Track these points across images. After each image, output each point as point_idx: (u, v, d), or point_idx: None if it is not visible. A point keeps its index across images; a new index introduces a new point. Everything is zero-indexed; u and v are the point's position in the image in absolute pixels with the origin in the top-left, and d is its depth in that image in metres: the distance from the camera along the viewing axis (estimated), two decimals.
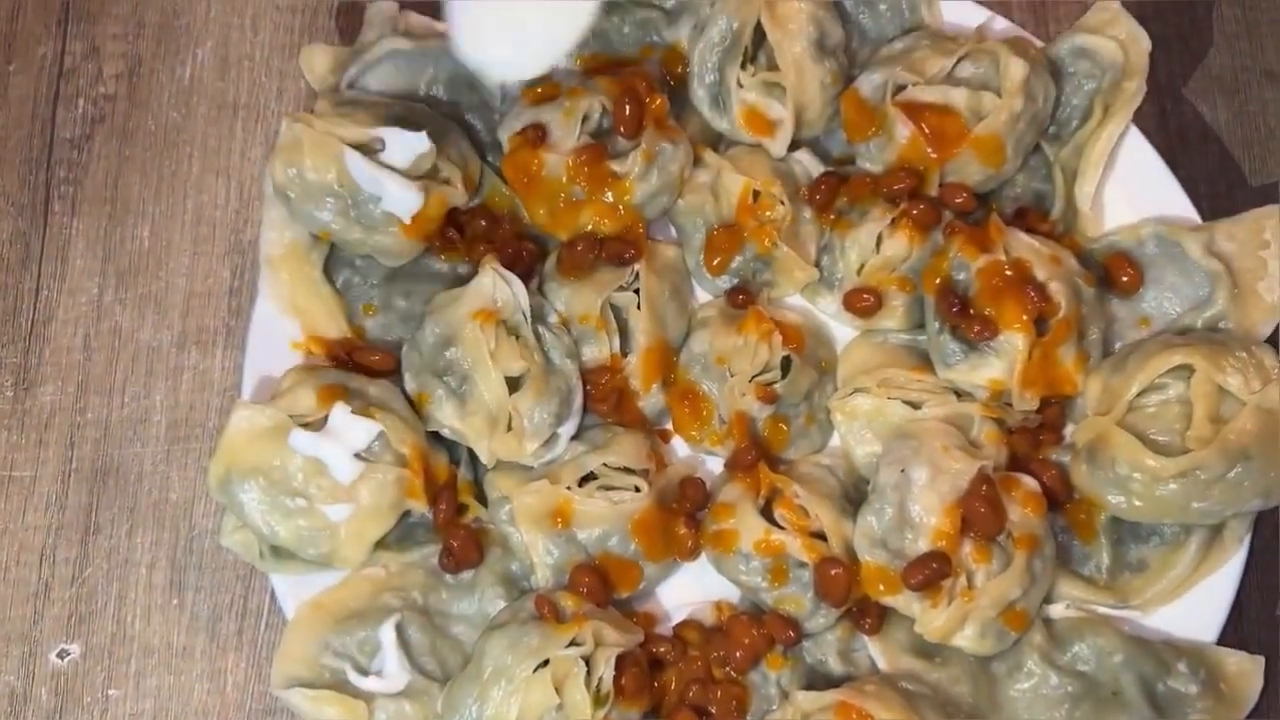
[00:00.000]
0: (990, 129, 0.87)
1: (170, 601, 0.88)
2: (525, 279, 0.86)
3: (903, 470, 0.82)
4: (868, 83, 0.90)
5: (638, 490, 0.84)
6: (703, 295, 0.92)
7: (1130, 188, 0.91)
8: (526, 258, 0.89)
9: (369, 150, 0.85)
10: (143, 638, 0.88)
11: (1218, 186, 0.96)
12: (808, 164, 0.92)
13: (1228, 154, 0.97)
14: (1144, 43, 0.91)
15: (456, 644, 0.83)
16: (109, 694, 0.87)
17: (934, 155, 0.88)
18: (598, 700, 0.77)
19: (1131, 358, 0.85)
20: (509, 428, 0.84)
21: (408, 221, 0.85)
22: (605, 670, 0.77)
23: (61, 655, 0.88)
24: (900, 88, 0.89)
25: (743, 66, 0.89)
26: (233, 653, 0.87)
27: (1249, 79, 0.98)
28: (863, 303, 0.89)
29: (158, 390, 0.92)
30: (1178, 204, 0.90)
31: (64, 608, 0.88)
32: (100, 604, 0.88)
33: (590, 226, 0.88)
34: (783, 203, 0.89)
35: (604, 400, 0.87)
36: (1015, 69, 0.87)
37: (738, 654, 0.82)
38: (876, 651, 0.83)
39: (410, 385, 0.86)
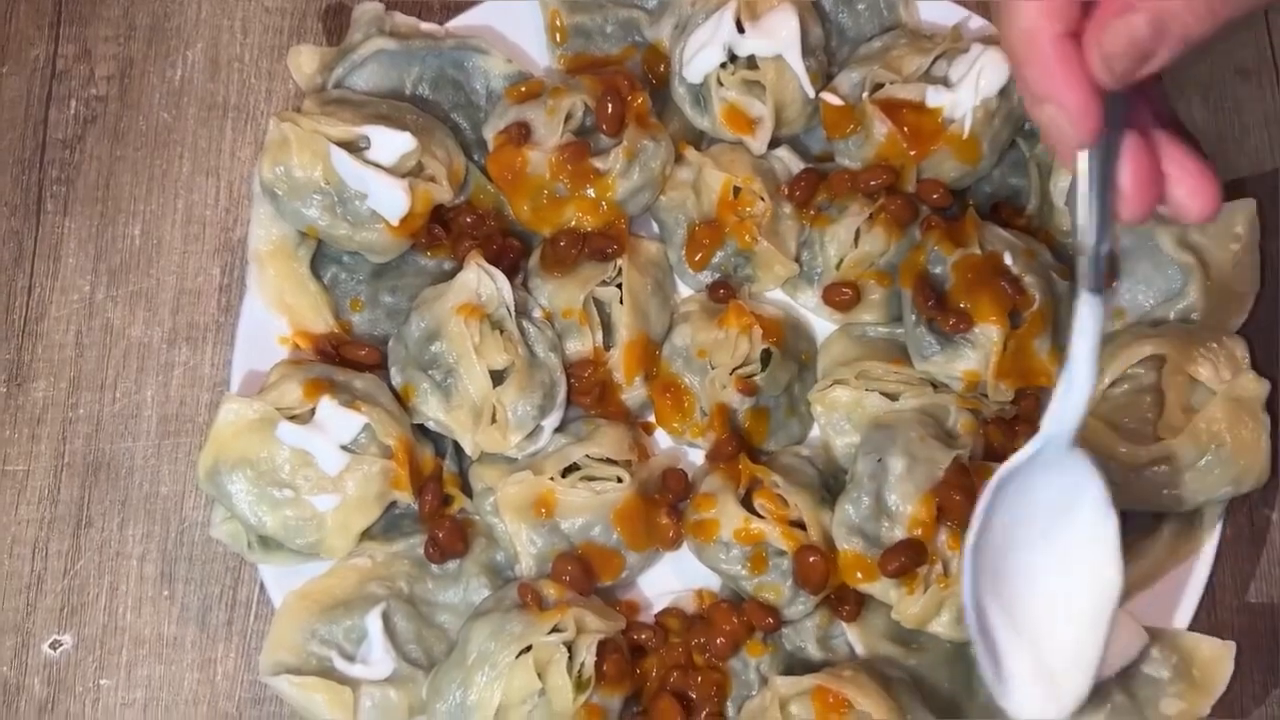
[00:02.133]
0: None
1: (161, 593, 0.90)
2: (510, 274, 0.88)
3: (879, 460, 0.83)
4: (846, 81, 0.92)
5: (620, 481, 0.85)
6: (684, 290, 0.93)
7: None
8: (511, 253, 0.90)
9: (355, 148, 0.87)
10: (134, 628, 0.89)
11: None
12: (788, 161, 0.93)
13: (1202, 150, 0.98)
14: None
15: (441, 632, 0.85)
16: (100, 683, 0.88)
17: (911, 152, 0.89)
18: (579, 685, 0.78)
19: (1104, 349, 0.86)
20: (493, 420, 0.85)
21: (395, 224, 0.87)
22: (587, 656, 0.79)
23: (54, 646, 0.89)
24: (878, 85, 0.91)
25: (723, 65, 0.91)
26: (222, 643, 0.88)
27: (1223, 77, 1.00)
28: (841, 297, 0.90)
29: (149, 386, 0.94)
30: None
31: (56, 599, 0.90)
32: (92, 595, 0.90)
33: (573, 222, 0.90)
34: (763, 199, 0.90)
35: (587, 393, 0.88)
36: None
37: (718, 641, 0.83)
38: (854, 638, 0.84)
39: (396, 379, 0.87)
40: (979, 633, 0.71)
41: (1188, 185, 0.63)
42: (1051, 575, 0.71)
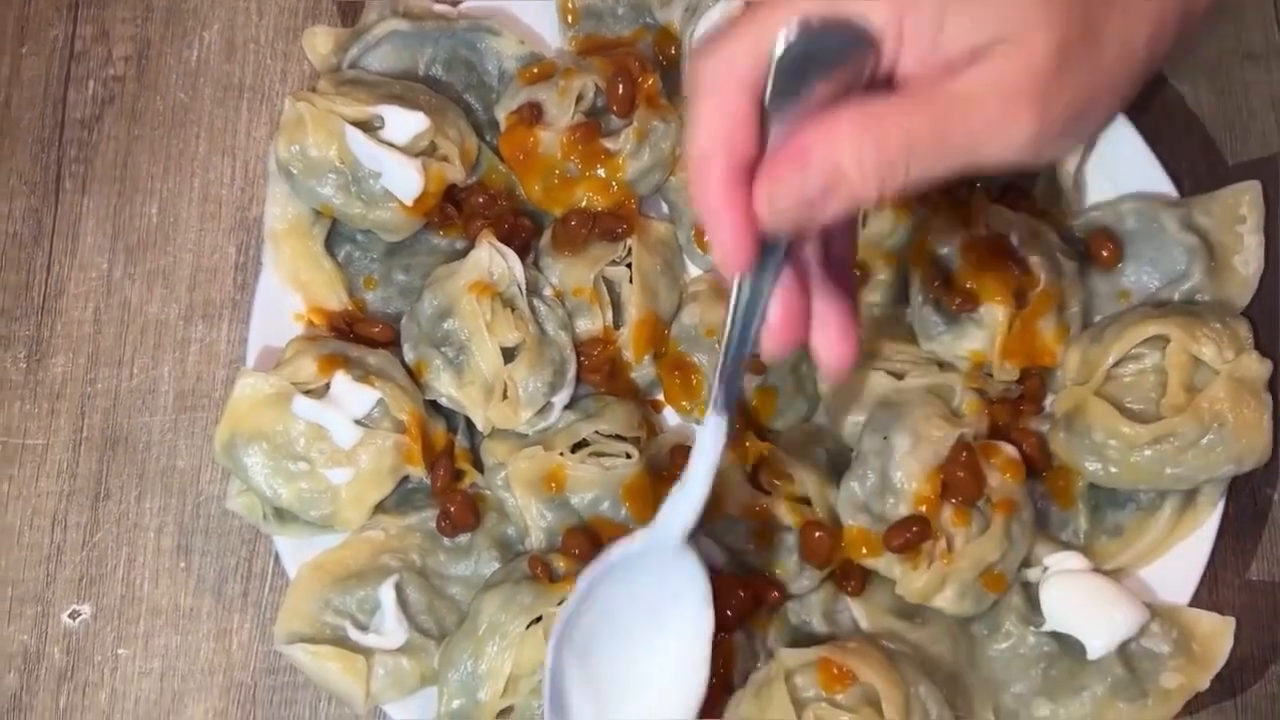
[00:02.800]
0: None
1: (178, 565, 0.91)
2: (521, 253, 0.89)
3: (885, 437, 0.84)
4: None
5: (629, 457, 0.86)
6: (693, 270, 0.94)
7: (1111, 165, 0.93)
8: (522, 233, 0.91)
9: (369, 128, 0.88)
10: (151, 599, 0.91)
11: (1199, 166, 0.98)
12: None
13: (1209, 134, 0.99)
14: None
15: (453, 604, 0.86)
16: (118, 653, 0.90)
17: None
18: None
19: (1109, 329, 0.87)
20: (504, 396, 0.86)
21: (409, 203, 0.88)
22: None
23: (73, 616, 0.91)
24: None
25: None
26: (238, 614, 0.90)
27: (1231, 61, 1.00)
28: None
29: (165, 362, 0.95)
30: (1157, 181, 0.92)
31: (75, 570, 0.91)
32: (110, 567, 0.91)
33: (584, 202, 0.91)
34: None
35: (597, 371, 0.89)
36: None
37: (725, 613, 0.84)
38: (859, 612, 0.86)
39: (409, 355, 0.89)
40: (553, 710, 0.73)
41: (827, 337, 0.64)
42: (645, 664, 0.74)
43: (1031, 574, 0.85)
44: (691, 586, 0.73)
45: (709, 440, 0.69)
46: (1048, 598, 0.83)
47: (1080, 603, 0.82)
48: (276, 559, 0.89)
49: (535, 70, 0.92)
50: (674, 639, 0.74)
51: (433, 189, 0.89)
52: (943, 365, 0.88)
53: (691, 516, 0.70)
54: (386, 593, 0.84)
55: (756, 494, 0.85)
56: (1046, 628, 0.83)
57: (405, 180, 0.87)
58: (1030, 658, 0.84)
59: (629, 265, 0.90)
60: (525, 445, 0.87)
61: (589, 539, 0.85)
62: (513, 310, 0.87)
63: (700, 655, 0.74)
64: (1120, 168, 0.93)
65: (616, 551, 0.72)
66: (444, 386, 0.87)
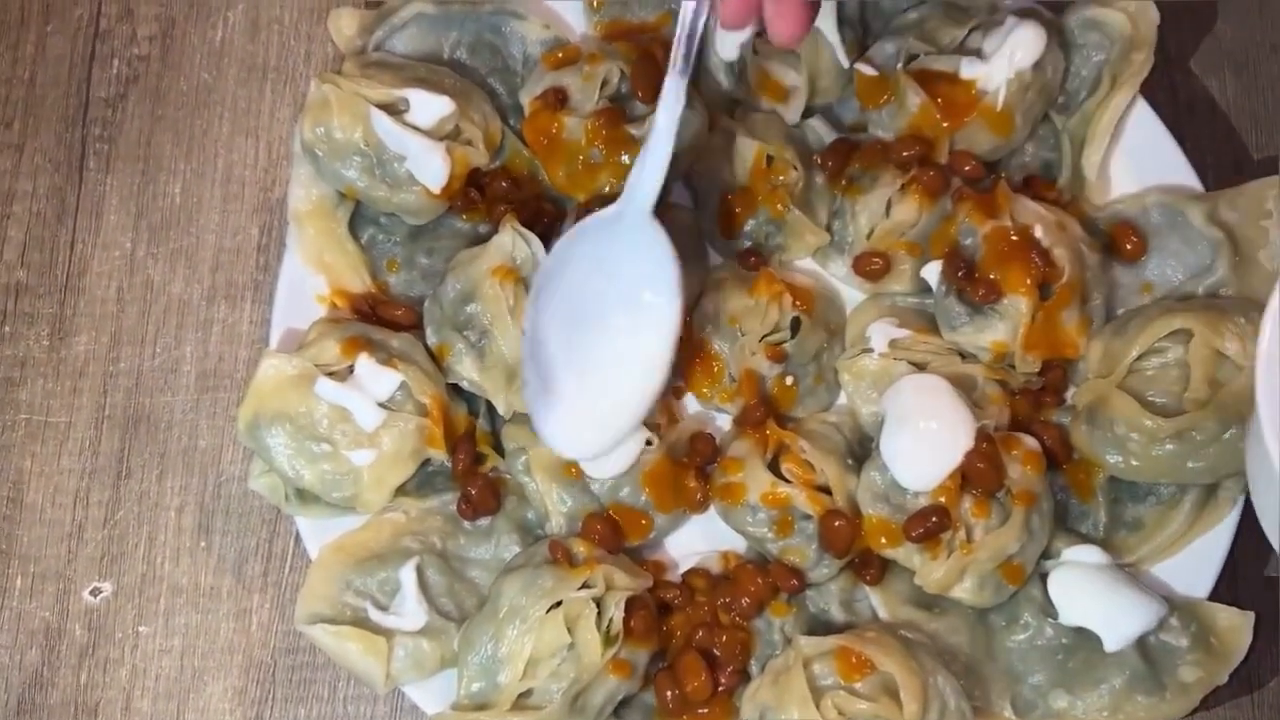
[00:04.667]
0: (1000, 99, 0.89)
1: (198, 544, 0.92)
2: (544, 239, 0.89)
3: None
4: (881, 52, 0.92)
5: (649, 444, 0.86)
6: (715, 257, 0.94)
7: (1136, 158, 0.93)
8: (545, 218, 0.91)
9: (394, 111, 0.88)
10: (172, 578, 0.91)
11: (1224, 159, 0.97)
12: (821, 131, 0.94)
13: (1235, 127, 0.98)
14: (1153, 15, 0.93)
15: (473, 586, 0.86)
16: (139, 630, 0.90)
17: (944, 123, 0.90)
18: (608, 640, 0.80)
19: (1132, 322, 0.87)
20: None
21: (436, 191, 0.88)
22: (615, 612, 0.80)
23: (94, 593, 0.91)
24: (913, 57, 0.91)
25: (759, 34, 0.91)
26: (258, 593, 0.91)
27: (1258, 54, 1.00)
28: (872, 266, 0.91)
29: (188, 342, 0.95)
30: (1182, 174, 0.92)
31: (97, 548, 0.92)
32: (131, 545, 0.92)
33: (607, 188, 0.90)
34: (795, 168, 0.91)
35: None
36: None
37: (743, 601, 0.84)
38: (877, 601, 0.86)
39: (431, 339, 0.89)
40: (532, 355, 0.80)
41: (779, 8, 0.69)
42: (623, 347, 0.79)
43: (1050, 566, 0.85)
44: (661, 271, 0.77)
45: (670, 99, 0.73)
46: (1055, 590, 0.83)
47: (1092, 595, 0.82)
48: (296, 540, 0.90)
49: (560, 55, 0.92)
50: (647, 328, 0.78)
51: (457, 173, 0.89)
52: (965, 356, 0.88)
53: (655, 182, 0.74)
54: (407, 575, 0.84)
55: (777, 482, 0.85)
56: (1060, 620, 0.83)
57: (430, 164, 0.87)
58: (1048, 649, 0.84)
59: None
60: None
61: (609, 525, 0.85)
62: None
63: (664, 347, 0.78)
64: (1145, 160, 0.93)
65: (589, 220, 0.76)
66: (466, 370, 0.87)
